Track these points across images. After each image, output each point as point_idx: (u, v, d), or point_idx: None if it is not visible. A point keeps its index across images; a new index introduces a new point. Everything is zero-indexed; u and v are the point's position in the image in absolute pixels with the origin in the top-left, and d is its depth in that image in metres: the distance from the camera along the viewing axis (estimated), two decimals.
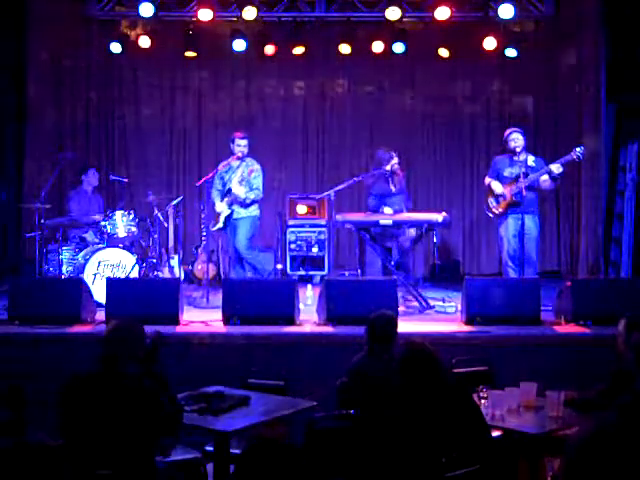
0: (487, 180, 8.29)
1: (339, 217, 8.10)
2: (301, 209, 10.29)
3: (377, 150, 8.86)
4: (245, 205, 8.48)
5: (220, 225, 8.54)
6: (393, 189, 8.54)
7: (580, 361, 6.36)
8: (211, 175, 8.44)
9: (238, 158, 8.48)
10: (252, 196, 8.46)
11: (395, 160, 8.45)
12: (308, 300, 8.06)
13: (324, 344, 6.63)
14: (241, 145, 8.46)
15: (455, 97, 10.89)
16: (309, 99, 11.02)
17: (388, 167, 8.45)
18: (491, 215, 8.26)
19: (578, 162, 8.35)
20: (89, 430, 3.88)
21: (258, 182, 8.51)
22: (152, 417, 3.91)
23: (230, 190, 8.44)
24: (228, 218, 8.51)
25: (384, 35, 10.16)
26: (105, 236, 8.50)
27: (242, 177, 8.44)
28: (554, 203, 10.56)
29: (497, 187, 8.12)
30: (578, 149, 7.89)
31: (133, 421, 3.87)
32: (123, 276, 8.11)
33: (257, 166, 8.55)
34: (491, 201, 8.18)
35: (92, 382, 3.99)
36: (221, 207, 8.51)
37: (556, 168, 7.89)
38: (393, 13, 9.64)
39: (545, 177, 7.96)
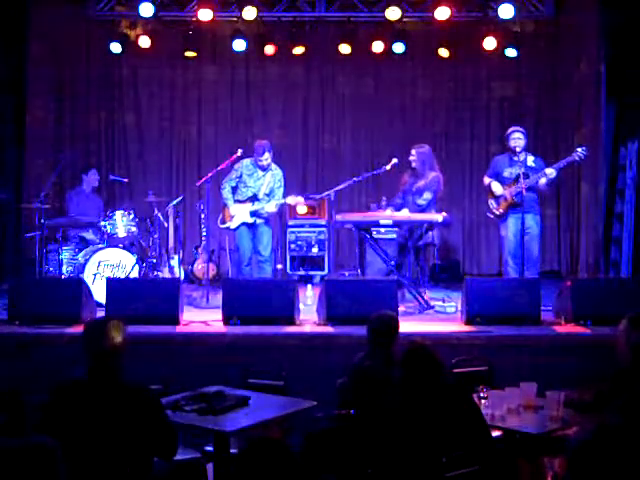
0: (486, 180, 8.28)
1: (339, 217, 8.09)
2: (301, 209, 10.27)
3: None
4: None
5: (232, 226, 8.45)
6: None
7: (580, 361, 6.35)
8: (211, 175, 8.42)
9: (263, 168, 8.40)
10: (275, 209, 8.44)
11: (394, 160, 8.42)
12: (308, 300, 8.05)
13: (324, 344, 6.63)
14: (262, 160, 8.35)
15: (455, 97, 10.89)
16: (309, 99, 11.02)
17: (388, 167, 8.44)
18: (492, 216, 8.26)
19: (579, 163, 8.34)
20: (83, 437, 3.77)
21: (280, 193, 8.44)
22: (152, 425, 3.84)
23: (255, 198, 8.37)
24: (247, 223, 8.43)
25: (384, 35, 10.16)
26: (105, 236, 8.50)
27: (270, 189, 8.40)
28: (554, 203, 10.55)
29: (497, 188, 8.11)
30: (579, 150, 7.88)
31: (130, 428, 3.77)
32: (123, 276, 8.10)
33: (280, 174, 8.48)
34: (491, 202, 8.18)
35: (79, 390, 3.86)
36: (237, 211, 8.38)
37: (550, 172, 7.89)
38: (393, 13, 9.65)
39: (543, 179, 7.96)
